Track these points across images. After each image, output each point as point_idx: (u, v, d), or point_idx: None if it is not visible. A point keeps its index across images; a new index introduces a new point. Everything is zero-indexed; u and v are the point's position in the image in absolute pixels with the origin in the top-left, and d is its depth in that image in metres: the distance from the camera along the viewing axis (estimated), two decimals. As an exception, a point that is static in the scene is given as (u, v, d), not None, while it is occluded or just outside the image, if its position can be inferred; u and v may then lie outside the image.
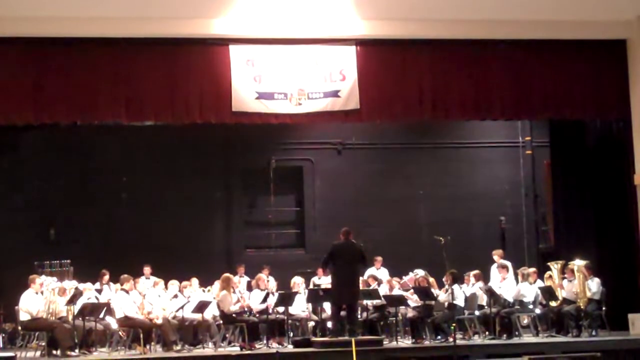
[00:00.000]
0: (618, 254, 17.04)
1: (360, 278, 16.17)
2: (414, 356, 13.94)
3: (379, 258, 17.78)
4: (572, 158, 18.48)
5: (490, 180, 21.50)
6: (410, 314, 15.75)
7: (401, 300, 15.50)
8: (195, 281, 16.11)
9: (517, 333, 15.32)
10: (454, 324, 14.25)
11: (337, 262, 14.38)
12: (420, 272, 16.64)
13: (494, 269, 16.76)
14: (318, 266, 17.47)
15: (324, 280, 16.40)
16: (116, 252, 18.29)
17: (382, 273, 17.33)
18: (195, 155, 20.14)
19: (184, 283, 15.90)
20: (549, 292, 15.86)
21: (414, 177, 21.07)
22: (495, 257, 16.88)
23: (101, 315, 14.72)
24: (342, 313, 14.52)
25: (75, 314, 14.45)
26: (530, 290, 15.71)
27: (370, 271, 17.03)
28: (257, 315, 15.24)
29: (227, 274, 15.37)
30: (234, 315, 14.82)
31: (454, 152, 21.61)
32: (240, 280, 16.94)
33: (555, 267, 16.50)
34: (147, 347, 14.48)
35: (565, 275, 16.13)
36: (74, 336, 14.09)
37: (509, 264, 16.50)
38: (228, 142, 20.35)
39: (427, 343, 14.97)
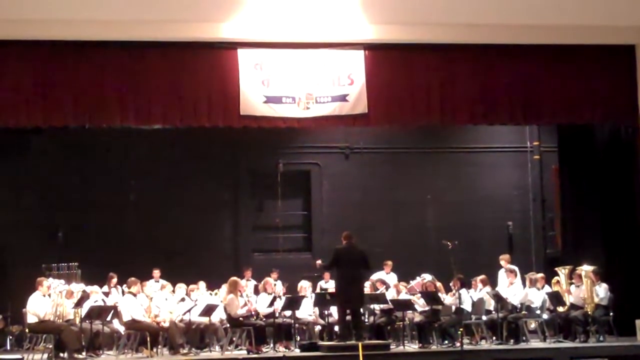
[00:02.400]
0: (626, 260, 16.98)
1: (368, 282, 16.22)
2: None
3: (389, 262, 17.76)
4: (580, 163, 18.44)
5: (498, 185, 21.50)
6: (418, 318, 15.72)
7: (408, 305, 15.47)
8: (202, 284, 16.10)
9: (524, 338, 15.31)
10: (461, 329, 14.24)
11: (341, 266, 14.40)
12: (427, 277, 16.60)
13: (501, 273, 16.74)
14: (324, 270, 17.52)
15: (331, 284, 16.41)
16: (124, 255, 18.30)
17: (391, 278, 17.29)
18: (203, 159, 20.18)
19: (191, 286, 15.92)
20: (556, 298, 15.82)
21: (422, 181, 21.05)
22: (502, 262, 16.84)
23: (108, 318, 14.73)
24: (348, 317, 14.53)
25: (82, 316, 14.48)
26: (537, 296, 15.69)
27: (380, 275, 17.03)
28: (264, 319, 15.24)
29: (234, 278, 15.37)
30: (240, 318, 14.82)
31: (461, 156, 21.60)
32: (247, 284, 16.93)
33: (562, 272, 16.46)
34: (154, 350, 14.51)
35: (573, 281, 16.09)
36: (81, 339, 14.11)
37: (516, 269, 16.48)
38: (236, 146, 20.38)
39: (434, 348, 14.96)
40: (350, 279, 14.39)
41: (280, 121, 15.91)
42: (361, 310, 15.03)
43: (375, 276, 16.80)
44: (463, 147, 21.55)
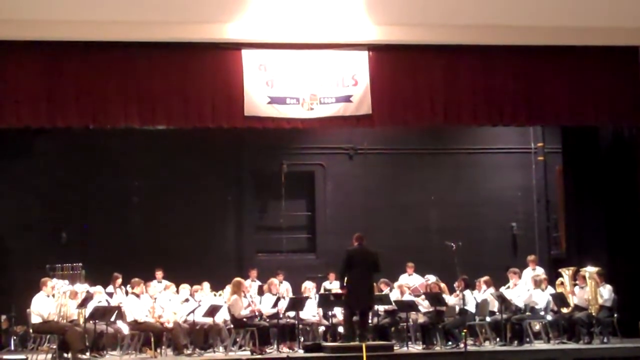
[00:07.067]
0: (630, 261, 16.98)
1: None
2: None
3: (411, 264, 17.75)
4: (584, 164, 18.45)
5: (502, 186, 21.46)
6: (421, 319, 15.73)
7: (412, 306, 15.48)
8: (206, 285, 16.12)
9: (528, 339, 15.29)
10: (464, 330, 14.23)
11: (353, 268, 14.36)
12: (431, 278, 16.61)
13: (526, 272, 16.73)
14: (329, 271, 17.56)
15: (335, 285, 16.40)
16: (128, 256, 18.28)
17: (415, 279, 17.24)
18: (207, 159, 20.15)
19: (195, 287, 15.94)
20: (560, 299, 15.82)
21: (426, 182, 21.05)
22: (530, 264, 16.91)
23: (112, 319, 14.74)
24: (355, 318, 14.53)
25: (86, 317, 14.48)
26: (541, 297, 15.67)
27: (402, 278, 17.06)
28: (268, 319, 15.23)
29: (238, 278, 15.38)
30: (244, 319, 14.81)
31: (465, 157, 21.58)
32: (251, 285, 16.93)
33: (566, 273, 16.44)
34: (158, 350, 14.52)
35: (577, 282, 16.09)
36: (85, 339, 14.11)
37: (541, 270, 16.56)
38: (240, 147, 20.40)
39: (437, 349, 14.94)
40: (361, 281, 14.33)
41: (284, 122, 15.92)
42: (369, 312, 15.03)
43: (400, 280, 16.88)
44: (467, 148, 21.54)
